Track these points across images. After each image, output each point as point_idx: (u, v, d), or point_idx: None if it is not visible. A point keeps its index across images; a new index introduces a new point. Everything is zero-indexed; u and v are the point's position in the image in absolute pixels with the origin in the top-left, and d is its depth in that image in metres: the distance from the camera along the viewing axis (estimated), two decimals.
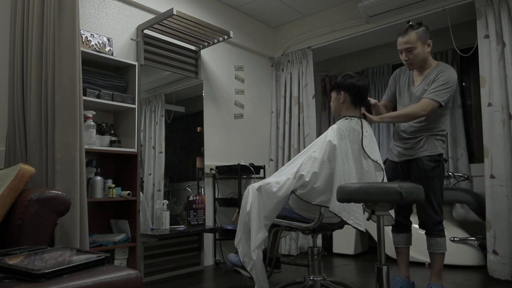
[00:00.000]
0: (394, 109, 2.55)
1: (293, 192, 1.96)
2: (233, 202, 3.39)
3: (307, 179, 1.89)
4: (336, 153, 1.91)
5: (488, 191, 2.77)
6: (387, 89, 2.62)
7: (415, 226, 2.45)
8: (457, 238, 3.14)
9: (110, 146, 2.55)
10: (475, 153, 3.83)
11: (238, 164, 3.34)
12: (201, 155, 3.36)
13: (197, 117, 3.38)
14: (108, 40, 2.66)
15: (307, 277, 2.13)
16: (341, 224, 2.10)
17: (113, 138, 2.58)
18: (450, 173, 3.38)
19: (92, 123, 2.39)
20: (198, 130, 3.37)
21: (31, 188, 1.79)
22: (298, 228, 2.07)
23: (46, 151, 1.90)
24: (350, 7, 3.71)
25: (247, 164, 3.43)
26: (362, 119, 2.14)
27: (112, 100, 2.55)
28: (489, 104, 2.82)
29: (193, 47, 3.40)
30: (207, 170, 3.40)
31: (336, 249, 3.70)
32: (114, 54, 2.75)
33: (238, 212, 2.84)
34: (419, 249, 3.11)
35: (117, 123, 2.78)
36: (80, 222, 1.86)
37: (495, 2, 2.84)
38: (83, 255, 1.37)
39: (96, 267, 1.28)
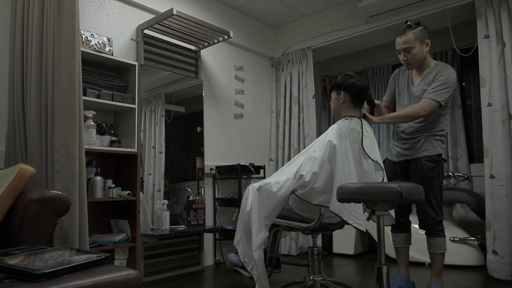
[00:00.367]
0: (395, 109, 2.56)
1: (293, 192, 1.96)
2: (233, 202, 3.39)
3: (307, 179, 1.89)
4: (336, 153, 1.91)
5: (488, 191, 2.77)
6: (387, 89, 2.63)
7: (415, 226, 2.45)
8: (457, 238, 3.14)
9: (110, 146, 2.55)
10: (475, 153, 3.83)
11: (238, 164, 3.34)
12: (201, 155, 3.36)
13: (197, 117, 3.38)
14: (108, 40, 2.66)
15: (307, 277, 2.13)
16: (341, 224, 2.10)
17: (113, 138, 2.58)
18: (450, 173, 3.39)
19: (92, 123, 2.39)
20: (198, 130, 3.37)
21: (31, 188, 1.79)
22: (298, 228, 2.07)
23: (46, 151, 1.90)
24: (350, 7, 3.71)
25: (247, 164, 3.43)
26: (362, 119, 2.14)
27: (112, 100, 2.55)
28: (489, 104, 2.82)
29: (193, 47, 3.40)
30: (207, 170, 3.40)
31: (336, 249, 3.70)
32: (114, 54, 2.76)
33: (238, 212, 2.84)
34: (419, 249, 3.11)
35: (117, 123, 2.78)
36: (80, 222, 1.86)
37: (495, 2, 2.84)
38: (83, 255, 1.37)
39: (96, 267, 1.28)
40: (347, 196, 1.58)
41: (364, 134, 2.06)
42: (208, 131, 3.47)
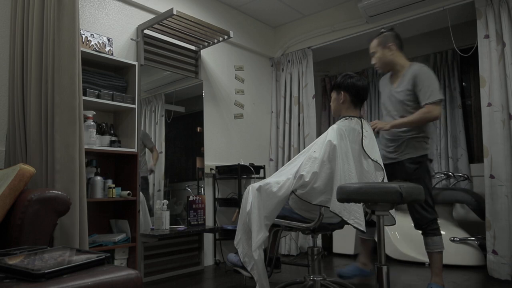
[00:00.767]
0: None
1: (293, 192, 1.96)
2: (233, 202, 3.39)
3: (307, 179, 1.89)
4: (336, 153, 1.91)
5: (488, 191, 2.77)
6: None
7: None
8: (457, 238, 3.14)
9: (110, 146, 2.55)
10: (475, 153, 3.83)
11: (238, 164, 3.34)
12: (201, 155, 3.36)
13: (197, 117, 3.38)
14: (108, 40, 2.66)
15: (307, 277, 2.13)
16: (341, 224, 2.10)
17: (113, 138, 2.58)
18: (450, 173, 3.39)
19: (92, 123, 2.39)
20: (198, 130, 3.37)
21: (31, 188, 1.79)
22: (298, 228, 2.07)
23: (46, 151, 1.90)
24: (350, 7, 3.71)
25: (247, 164, 3.43)
26: (362, 119, 2.14)
27: (112, 100, 2.55)
28: (489, 104, 2.82)
29: (193, 47, 3.40)
30: (207, 170, 3.40)
31: (336, 249, 3.70)
32: (114, 54, 2.76)
33: (238, 212, 2.84)
34: (419, 249, 3.11)
35: (117, 123, 2.78)
36: (80, 222, 1.86)
37: (495, 2, 2.84)
38: (83, 255, 1.37)
39: (96, 267, 1.28)
40: (347, 196, 1.58)
41: (364, 134, 2.06)
42: (208, 131, 3.47)
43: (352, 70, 4.37)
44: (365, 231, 1.94)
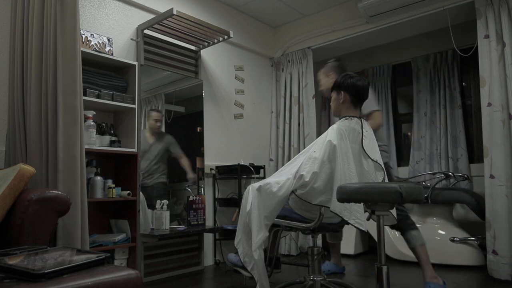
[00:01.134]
0: None
1: (293, 192, 1.96)
2: (233, 202, 3.39)
3: (307, 179, 1.89)
4: (336, 153, 1.91)
5: (488, 191, 2.77)
6: None
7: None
8: (457, 238, 3.14)
9: (110, 146, 2.55)
10: (475, 153, 3.83)
11: (238, 164, 3.34)
12: (201, 155, 3.36)
13: (197, 117, 3.38)
14: (108, 40, 2.66)
15: (307, 277, 2.13)
16: (341, 223, 2.10)
17: (113, 138, 2.58)
18: (450, 173, 3.39)
19: (92, 123, 2.39)
20: (198, 130, 3.37)
21: (31, 188, 1.79)
22: (298, 228, 2.07)
23: (47, 151, 1.90)
24: (350, 7, 3.71)
25: (247, 164, 3.43)
26: (362, 119, 2.14)
27: (112, 100, 2.55)
28: (489, 104, 2.82)
29: (193, 47, 3.40)
30: (207, 170, 3.40)
31: None
32: (114, 54, 2.75)
33: (238, 212, 2.84)
34: None
35: (117, 123, 2.78)
36: (81, 222, 1.86)
37: (495, 2, 2.84)
38: (83, 255, 1.37)
39: (96, 267, 1.28)
40: (347, 196, 1.58)
41: (364, 134, 2.06)
42: (208, 131, 3.47)
43: (352, 70, 4.36)
44: (366, 231, 1.94)
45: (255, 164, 3.55)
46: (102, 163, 2.61)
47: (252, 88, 4.02)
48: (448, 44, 3.46)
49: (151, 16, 3.08)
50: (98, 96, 2.48)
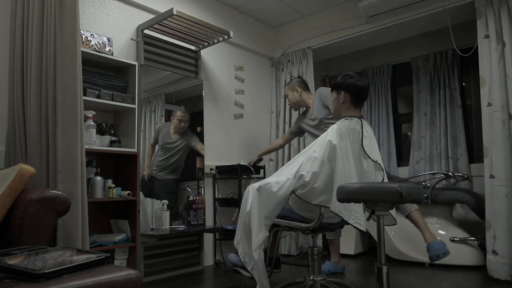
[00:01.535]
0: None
1: (293, 192, 1.96)
2: (233, 202, 3.39)
3: (307, 179, 1.89)
4: (336, 153, 1.90)
5: (488, 191, 2.77)
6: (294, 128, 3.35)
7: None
8: (457, 238, 3.14)
9: (110, 146, 2.55)
10: (475, 153, 3.83)
11: (238, 164, 3.34)
12: (201, 155, 3.36)
13: (197, 117, 3.38)
14: (108, 40, 2.66)
15: (307, 277, 2.13)
16: (341, 223, 2.10)
17: (113, 138, 2.58)
18: (450, 173, 3.39)
19: (92, 123, 2.39)
20: (198, 130, 3.37)
21: (31, 188, 1.79)
22: (298, 228, 2.07)
23: (47, 151, 1.90)
24: (350, 7, 3.71)
25: (247, 164, 3.43)
26: (362, 119, 2.14)
27: (112, 100, 2.55)
28: (489, 104, 2.82)
29: (193, 47, 3.40)
30: (207, 170, 3.40)
31: None
32: (114, 54, 2.76)
33: (238, 212, 2.83)
34: (419, 249, 3.11)
35: (117, 123, 2.78)
36: (81, 222, 1.86)
37: (495, 2, 2.84)
38: (83, 255, 1.37)
39: (96, 267, 1.28)
40: (347, 196, 1.58)
41: (364, 134, 2.06)
42: (208, 131, 3.47)
43: (352, 70, 4.37)
44: (365, 231, 1.94)
45: (255, 164, 3.55)
46: (102, 163, 2.61)
47: (252, 88, 4.02)
48: (448, 44, 3.46)
49: (151, 16, 3.08)
50: (98, 96, 2.48)
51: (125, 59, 2.77)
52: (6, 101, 2.28)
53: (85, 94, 2.38)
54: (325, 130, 2.53)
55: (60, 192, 1.67)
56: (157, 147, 3.04)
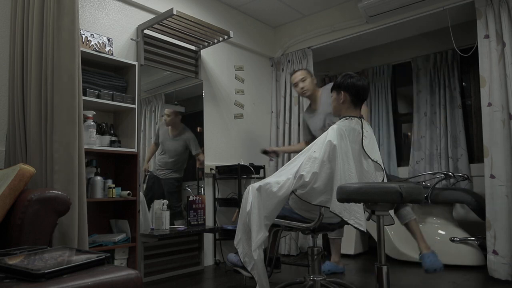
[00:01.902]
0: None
1: (293, 192, 1.96)
2: (233, 202, 3.39)
3: (307, 179, 1.89)
4: (336, 153, 1.90)
5: (488, 191, 2.77)
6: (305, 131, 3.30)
7: None
8: (457, 238, 3.14)
9: (110, 146, 2.55)
10: (475, 153, 3.83)
11: (238, 164, 3.34)
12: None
13: (197, 117, 3.38)
14: (108, 40, 2.66)
15: (307, 277, 2.13)
16: (341, 223, 2.10)
17: (113, 138, 2.58)
18: (450, 173, 3.39)
19: (92, 123, 2.39)
20: (198, 130, 3.37)
21: (31, 188, 1.79)
22: (298, 228, 2.07)
23: (46, 151, 1.90)
24: (350, 7, 3.71)
25: (247, 164, 3.43)
26: (362, 119, 2.14)
27: (112, 100, 2.55)
28: (489, 104, 2.82)
29: (193, 47, 3.40)
30: (207, 170, 3.40)
31: None
32: (114, 54, 2.75)
33: (238, 212, 2.83)
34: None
35: (117, 123, 2.78)
36: (80, 222, 1.86)
37: (495, 2, 2.84)
38: (83, 255, 1.36)
39: (96, 267, 1.28)
40: (347, 196, 1.58)
41: (364, 134, 2.06)
42: (208, 131, 3.47)
43: (352, 70, 4.35)
44: (365, 231, 1.94)
45: (255, 164, 3.55)
46: (102, 163, 2.61)
47: (252, 88, 4.02)
48: (448, 44, 3.46)
49: (151, 16, 3.08)
50: (98, 96, 2.48)
51: (125, 59, 2.77)
52: (6, 101, 2.28)
53: (85, 94, 2.38)
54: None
55: (60, 192, 1.67)
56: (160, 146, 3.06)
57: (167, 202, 2.86)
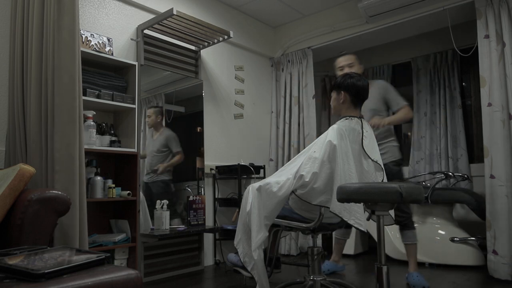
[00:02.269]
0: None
1: (293, 192, 1.96)
2: (233, 202, 3.39)
3: (307, 179, 1.89)
4: (336, 153, 1.91)
5: (488, 191, 2.77)
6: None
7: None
8: (457, 238, 3.14)
9: (110, 146, 2.55)
10: (475, 153, 3.83)
11: (238, 164, 3.34)
12: (201, 155, 3.36)
13: (197, 117, 3.38)
14: (108, 40, 2.66)
15: (307, 277, 2.13)
16: (341, 224, 2.10)
17: (113, 138, 2.58)
18: (450, 173, 3.39)
19: (92, 123, 2.39)
20: (198, 130, 3.37)
21: (31, 188, 1.79)
22: (298, 228, 2.07)
23: (46, 151, 1.90)
24: (350, 7, 3.71)
25: (247, 164, 3.43)
26: (362, 119, 2.14)
27: (112, 100, 2.55)
28: (489, 104, 2.82)
29: (193, 47, 3.40)
30: (207, 170, 3.40)
31: None
32: (114, 54, 2.75)
33: (238, 212, 2.84)
34: (419, 249, 3.10)
35: (117, 123, 2.78)
36: (80, 222, 1.86)
37: (495, 2, 2.84)
38: (83, 255, 1.37)
39: (96, 267, 1.28)
40: (347, 196, 1.58)
41: (364, 134, 2.06)
42: (208, 131, 3.47)
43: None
44: (365, 231, 1.94)
45: (255, 164, 3.55)
46: (102, 163, 2.61)
47: (252, 88, 4.02)
48: (448, 44, 3.46)
49: (151, 16, 3.08)
50: (98, 96, 2.48)
51: (125, 59, 2.77)
52: (6, 101, 2.28)
53: (85, 94, 2.38)
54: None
55: (60, 192, 1.67)
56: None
57: (167, 202, 2.85)
